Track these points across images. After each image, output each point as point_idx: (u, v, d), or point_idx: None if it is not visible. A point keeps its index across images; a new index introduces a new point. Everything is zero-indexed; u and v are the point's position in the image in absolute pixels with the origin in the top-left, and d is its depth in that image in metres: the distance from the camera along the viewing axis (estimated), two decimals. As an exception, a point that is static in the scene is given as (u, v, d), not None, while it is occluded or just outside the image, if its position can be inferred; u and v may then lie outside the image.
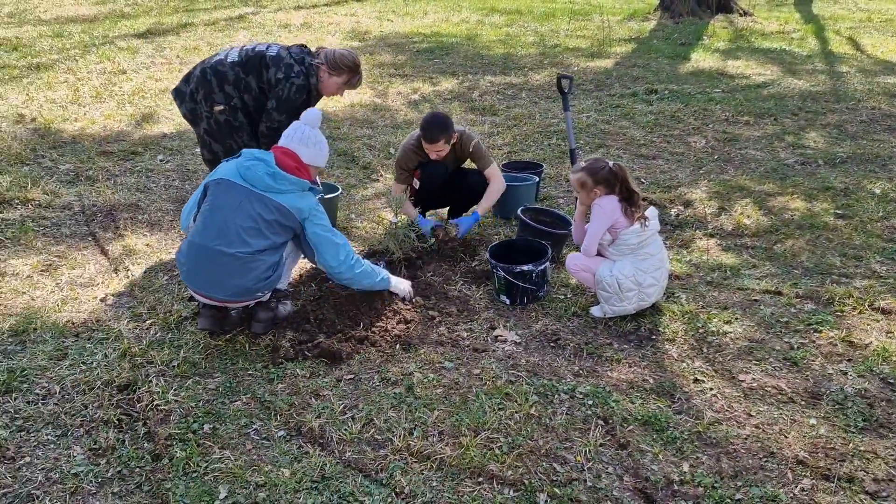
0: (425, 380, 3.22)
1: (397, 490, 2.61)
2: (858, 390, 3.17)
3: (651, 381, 3.26)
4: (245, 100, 4.24)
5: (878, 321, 3.72)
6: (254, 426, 2.93)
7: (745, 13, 13.07)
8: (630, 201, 3.68)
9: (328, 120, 7.19)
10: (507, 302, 3.91)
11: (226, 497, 2.55)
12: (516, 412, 3.01)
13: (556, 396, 3.13)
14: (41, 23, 12.24)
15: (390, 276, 3.74)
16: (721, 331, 3.64)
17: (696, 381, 3.27)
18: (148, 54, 9.83)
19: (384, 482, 2.65)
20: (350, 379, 3.24)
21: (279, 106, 4.19)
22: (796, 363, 3.39)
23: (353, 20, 12.91)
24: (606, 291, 3.69)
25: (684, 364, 3.39)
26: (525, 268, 3.80)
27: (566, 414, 3.02)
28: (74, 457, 2.74)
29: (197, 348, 3.42)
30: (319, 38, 11.16)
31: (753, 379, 3.28)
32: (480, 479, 2.66)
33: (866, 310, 3.81)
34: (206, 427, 2.91)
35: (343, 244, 3.50)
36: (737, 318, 3.76)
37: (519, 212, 4.49)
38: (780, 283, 4.12)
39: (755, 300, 3.96)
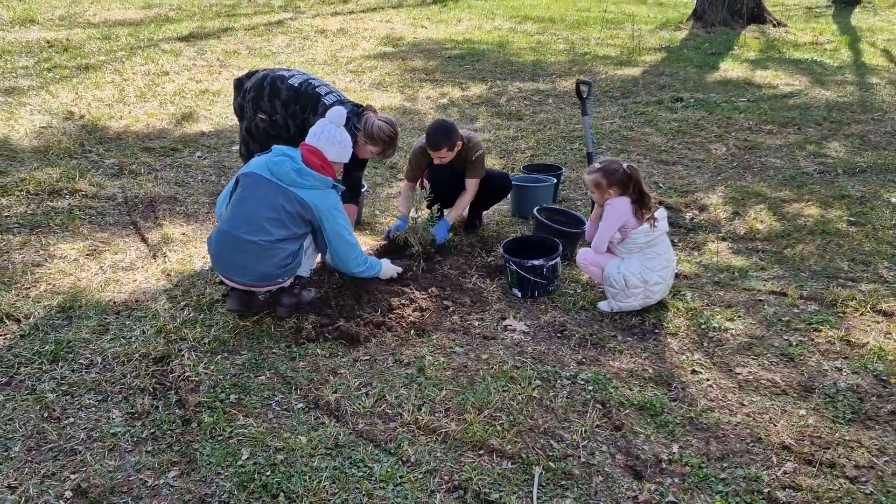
0: (436, 362, 3.43)
1: (404, 458, 2.83)
2: (851, 385, 3.31)
3: (650, 370, 3.44)
4: (287, 122, 4.38)
5: (878, 322, 3.84)
6: (275, 398, 3.18)
7: (779, 24, 13.09)
8: (641, 203, 3.85)
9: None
10: (519, 295, 4.11)
11: (248, 458, 2.80)
12: (519, 394, 3.21)
13: (558, 381, 3.33)
14: (90, 26, 12.77)
15: (383, 264, 4.08)
16: (723, 327, 3.80)
17: (693, 371, 3.44)
18: (190, 57, 10.24)
19: (392, 451, 2.87)
20: (366, 360, 3.47)
21: None
22: (793, 359, 3.53)
23: (387, 26, 13.22)
24: (614, 287, 3.87)
25: (684, 356, 3.56)
26: (536, 262, 4.00)
27: (566, 397, 3.21)
28: (113, 419, 3.01)
29: (226, 328, 3.69)
30: (354, 44, 11.48)
31: (749, 372, 3.43)
32: (481, 452, 2.87)
33: (868, 312, 3.93)
34: (232, 397, 3.16)
35: (355, 244, 3.80)
36: (739, 316, 3.91)
37: (535, 211, 4.69)
38: (787, 284, 4.26)
39: (760, 300, 4.10)
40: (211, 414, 3.03)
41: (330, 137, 3.74)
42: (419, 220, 4.49)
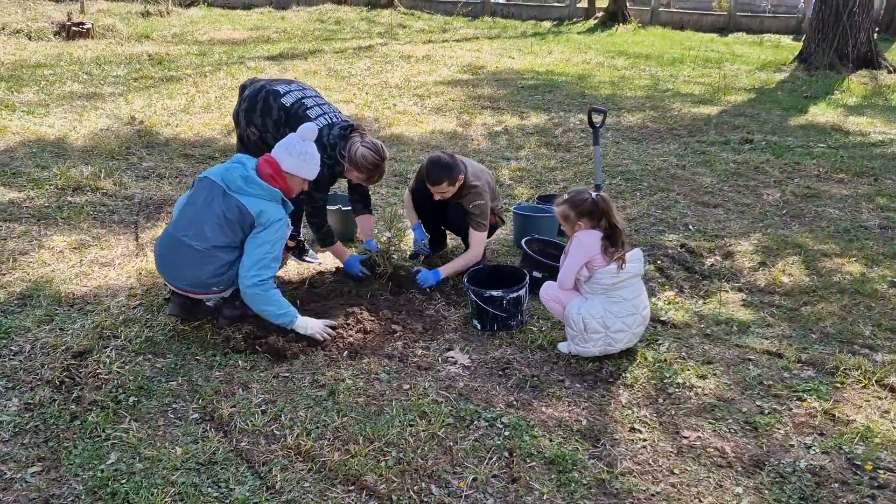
0: (353, 387, 3.23)
1: (269, 484, 2.64)
2: (812, 466, 2.83)
3: (584, 422, 3.08)
4: (278, 141, 4.08)
5: (879, 398, 3.30)
6: (174, 406, 3.08)
7: (895, 70, 12.04)
8: (611, 239, 3.51)
9: (400, 144, 7.40)
10: (479, 327, 3.84)
11: (112, 463, 2.70)
12: (423, 430, 2.94)
13: (474, 423, 3.04)
14: (196, 43, 13.56)
15: (300, 317, 3.56)
16: (688, 384, 3.37)
17: (632, 429, 3.05)
18: (270, 74, 10.58)
19: (262, 475, 2.68)
20: (285, 377, 3.31)
21: (317, 186, 4.05)
22: (757, 428, 3.08)
23: (474, 55, 13.22)
24: (572, 329, 3.53)
25: (629, 411, 3.17)
26: (494, 293, 3.73)
27: (474, 440, 2.92)
28: (9, 408, 3.00)
29: (163, 330, 3.64)
30: (432, 70, 11.53)
31: (699, 437, 3.01)
32: (351, 488, 2.63)
33: (871, 385, 3.39)
34: (131, 399, 3.09)
35: (270, 264, 3.47)
36: (714, 375, 3.47)
37: (523, 242, 4.41)
38: (787, 345, 3.76)
39: (748, 359, 3.63)
40: (99, 414, 2.96)
41: (289, 148, 3.63)
42: (391, 239, 4.30)
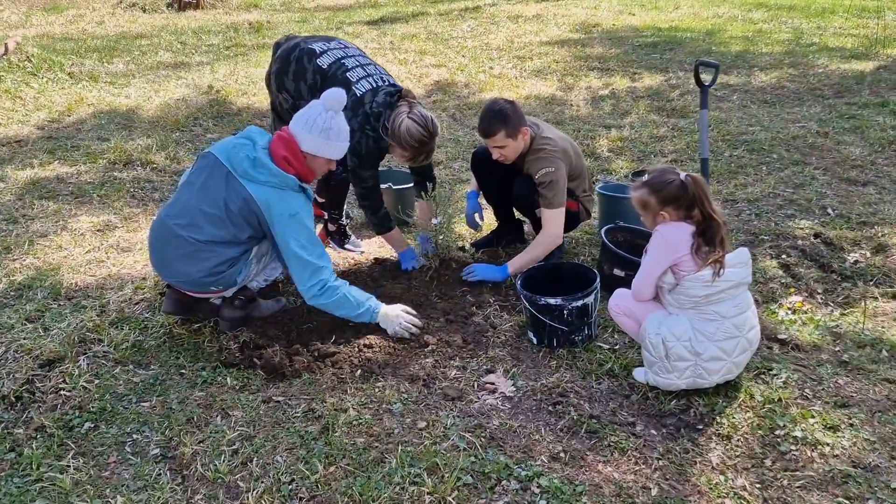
0: (356, 421, 2.53)
1: (212, 562, 2.00)
2: None
3: (654, 491, 2.24)
4: None
5: None
6: (135, 435, 2.51)
7: None
8: (706, 235, 2.60)
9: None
10: (534, 341, 3.04)
11: (32, 515, 2.16)
12: (428, 493, 2.21)
13: (501, 483, 2.27)
14: (301, 10, 13.22)
15: (380, 307, 3.02)
16: (811, 439, 2.43)
17: (722, 508, 2.18)
18: (366, 40, 10.00)
19: (208, 546, 2.06)
20: (277, 402, 2.67)
21: (362, 163, 3.50)
22: (912, 518, 2.12)
23: (589, 13, 12.04)
24: (650, 354, 2.66)
25: (721, 478, 2.29)
26: (551, 301, 2.90)
27: (494, 512, 2.16)
28: (-49, 428, 2.53)
29: (156, 333, 3.10)
30: (540, 30, 10.54)
31: (821, 527, 2.10)
32: (313, 577, 1.95)
33: None
34: (86, 426, 2.55)
35: (316, 264, 2.90)
36: (850, 425, 2.50)
37: (603, 231, 3.54)
38: (963, 383, 2.71)
39: (903, 402, 2.63)
40: (42, 444, 2.44)
41: (309, 122, 2.92)
42: (442, 228, 3.55)
